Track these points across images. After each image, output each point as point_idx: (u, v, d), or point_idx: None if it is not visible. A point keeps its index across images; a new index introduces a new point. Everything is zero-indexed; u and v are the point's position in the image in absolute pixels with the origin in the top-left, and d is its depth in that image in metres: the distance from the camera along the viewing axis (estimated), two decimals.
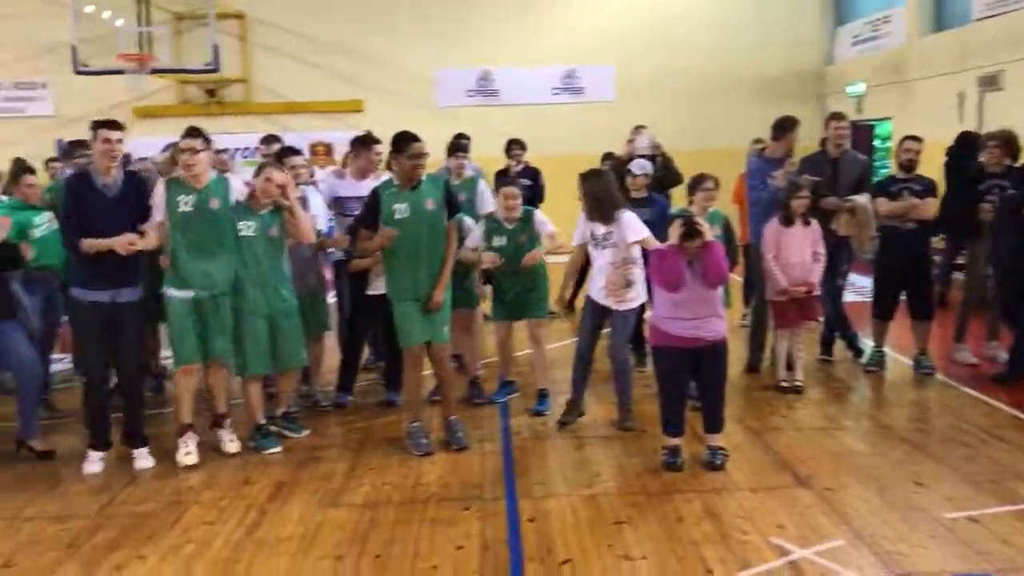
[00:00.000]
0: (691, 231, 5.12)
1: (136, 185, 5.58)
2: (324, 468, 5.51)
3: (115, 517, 4.84)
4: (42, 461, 5.76)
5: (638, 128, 9.26)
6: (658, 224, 6.20)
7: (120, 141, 5.37)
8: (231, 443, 5.84)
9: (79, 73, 14.04)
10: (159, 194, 5.51)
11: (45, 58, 15.52)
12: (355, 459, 5.67)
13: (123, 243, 5.27)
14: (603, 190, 5.96)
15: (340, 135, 13.70)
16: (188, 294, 5.57)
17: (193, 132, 5.57)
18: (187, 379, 5.71)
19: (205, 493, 5.15)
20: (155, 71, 14.31)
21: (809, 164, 7.35)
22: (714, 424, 5.41)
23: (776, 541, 4.29)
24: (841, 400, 6.79)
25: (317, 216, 6.35)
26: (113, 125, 5.37)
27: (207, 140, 5.59)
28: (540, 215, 6.59)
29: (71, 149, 6.00)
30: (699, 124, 15.21)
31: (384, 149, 6.98)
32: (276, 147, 7.28)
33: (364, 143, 6.88)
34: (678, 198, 7.78)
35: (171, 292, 5.60)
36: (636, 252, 5.94)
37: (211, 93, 16.03)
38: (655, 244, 5.66)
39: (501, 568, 4.12)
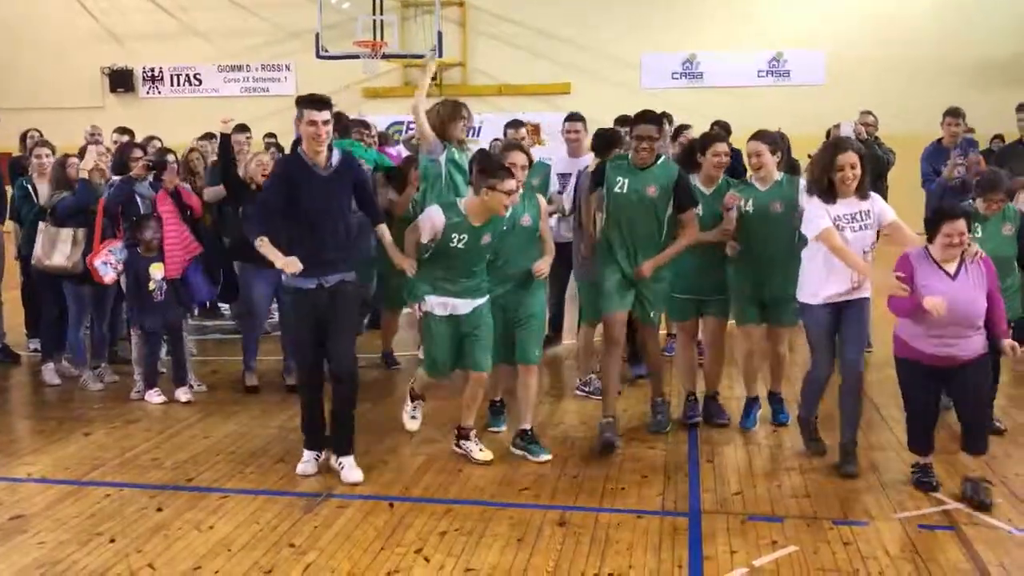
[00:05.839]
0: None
1: (349, 164, 5.17)
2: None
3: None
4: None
5: (863, 114, 9.20)
6: None
7: (327, 123, 4.87)
8: (480, 452, 5.38)
9: (320, 57, 15.65)
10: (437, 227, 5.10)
11: (290, 43, 17.35)
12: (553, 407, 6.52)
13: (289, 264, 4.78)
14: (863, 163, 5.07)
15: (549, 116, 14.56)
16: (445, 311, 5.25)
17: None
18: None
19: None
20: (385, 56, 15.70)
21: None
22: (975, 443, 4.64)
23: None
24: None
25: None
26: (316, 104, 4.86)
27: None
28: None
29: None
30: (917, 108, 14.96)
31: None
32: (523, 131, 7.57)
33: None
34: None
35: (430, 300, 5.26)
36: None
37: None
38: (910, 234, 5.01)
39: (680, 493, 4.80)
